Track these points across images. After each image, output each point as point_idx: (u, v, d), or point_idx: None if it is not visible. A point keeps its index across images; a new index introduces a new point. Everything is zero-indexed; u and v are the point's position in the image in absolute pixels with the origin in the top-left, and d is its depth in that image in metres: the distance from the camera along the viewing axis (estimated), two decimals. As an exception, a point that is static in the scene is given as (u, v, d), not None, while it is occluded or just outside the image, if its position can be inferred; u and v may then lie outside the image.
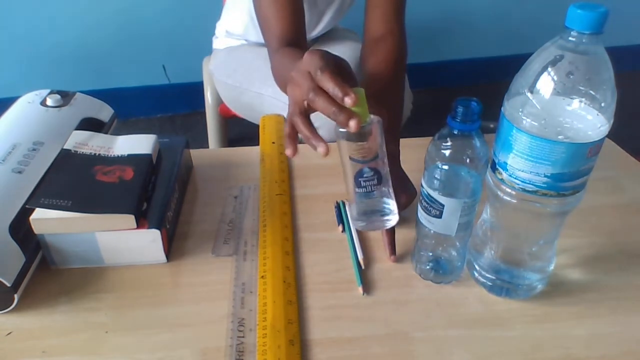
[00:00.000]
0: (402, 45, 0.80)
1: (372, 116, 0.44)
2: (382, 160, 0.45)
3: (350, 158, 0.44)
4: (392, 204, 0.48)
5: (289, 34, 0.75)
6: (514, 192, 0.46)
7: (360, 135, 0.43)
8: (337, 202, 0.65)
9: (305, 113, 0.50)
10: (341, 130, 0.43)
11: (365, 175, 0.44)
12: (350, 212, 0.49)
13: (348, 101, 0.43)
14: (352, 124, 0.43)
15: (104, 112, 0.74)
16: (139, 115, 2.06)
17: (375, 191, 0.46)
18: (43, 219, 0.52)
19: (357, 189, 0.45)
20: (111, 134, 0.71)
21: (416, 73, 1.29)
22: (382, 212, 0.48)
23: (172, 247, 0.58)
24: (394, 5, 0.81)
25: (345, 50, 1.08)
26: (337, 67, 0.50)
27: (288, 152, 0.49)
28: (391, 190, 0.47)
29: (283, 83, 0.70)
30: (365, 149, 0.44)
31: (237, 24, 1.12)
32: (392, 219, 0.48)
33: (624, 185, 0.70)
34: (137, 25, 1.88)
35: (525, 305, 0.52)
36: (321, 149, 0.46)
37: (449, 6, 2.11)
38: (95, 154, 0.59)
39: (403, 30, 0.82)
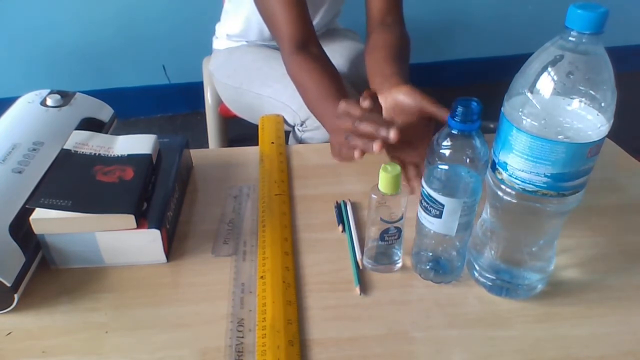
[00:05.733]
0: (405, 32, 0.84)
1: (402, 187, 0.51)
2: (403, 221, 0.53)
3: (381, 219, 0.51)
4: (400, 253, 0.56)
5: (300, 35, 0.77)
6: (514, 192, 0.46)
7: (391, 201, 0.50)
8: (337, 202, 0.65)
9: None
10: (374, 196, 0.51)
11: (390, 233, 0.52)
12: (365, 254, 0.56)
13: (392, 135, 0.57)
14: (392, 133, 0.56)
15: (104, 112, 0.74)
16: (139, 115, 2.06)
17: (393, 244, 0.54)
18: (43, 219, 0.52)
19: (380, 242, 0.53)
20: (111, 134, 0.71)
21: (416, 73, 1.29)
22: (391, 260, 0.56)
23: (172, 247, 0.58)
24: None
25: (344, 51, 1.08)
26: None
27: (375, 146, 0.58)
28: (402, 242, 0.55)
29: (301, 91, 0.77)
30: (394, 213, 0.51)
31: (237, 26, 1.11)
32: (398, 265, 0.56)
33: (624, 185, 0.70)
34: (137, 25, 1.88)
35: (525, 305, 0.52)
36: (392, 134, 0.57)
37: (449, 6, 2.11)
38: (95, 154, 0.59)
39: (403, 21, 0.86)
